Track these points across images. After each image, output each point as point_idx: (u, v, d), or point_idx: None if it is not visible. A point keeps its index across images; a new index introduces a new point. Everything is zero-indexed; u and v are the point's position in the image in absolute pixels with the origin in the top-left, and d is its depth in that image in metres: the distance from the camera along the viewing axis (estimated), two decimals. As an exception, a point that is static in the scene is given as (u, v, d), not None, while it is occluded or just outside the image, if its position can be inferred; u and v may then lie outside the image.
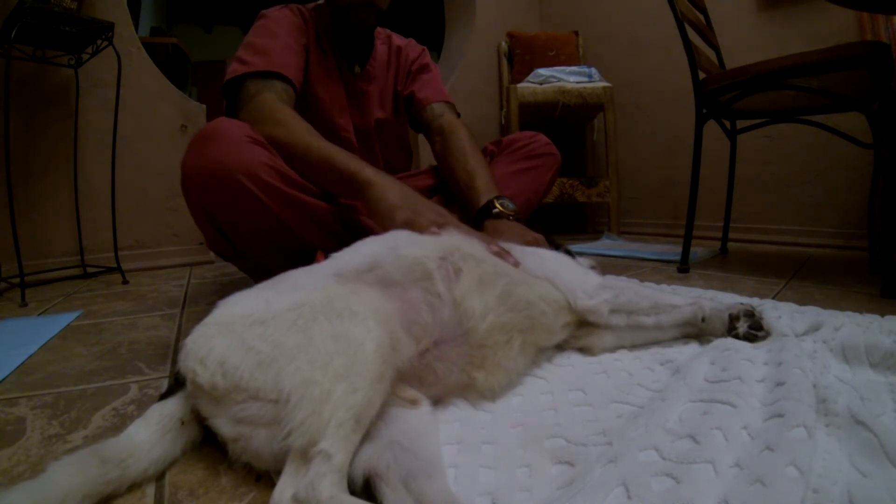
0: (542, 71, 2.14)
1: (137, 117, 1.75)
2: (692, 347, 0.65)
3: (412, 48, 1.17)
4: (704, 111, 1.25)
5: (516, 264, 0.64)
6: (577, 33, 2.36)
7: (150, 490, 0.41)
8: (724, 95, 1.18)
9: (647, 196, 2.22)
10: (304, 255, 0.82)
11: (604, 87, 2.09)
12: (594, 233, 2.32)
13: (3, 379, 0.69)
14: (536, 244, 0.77)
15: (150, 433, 0.43)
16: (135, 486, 0.41)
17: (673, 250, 1.53)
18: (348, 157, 0.78)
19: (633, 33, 2.22)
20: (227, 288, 0.55)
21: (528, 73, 2.20)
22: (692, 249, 1.33)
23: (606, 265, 1.40)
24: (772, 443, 0.37)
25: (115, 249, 1.62)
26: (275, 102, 0.84)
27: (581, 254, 0.88)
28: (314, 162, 0.78)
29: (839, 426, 0.41)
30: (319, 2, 1.07)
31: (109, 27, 1.49)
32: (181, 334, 0.89)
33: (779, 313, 0.70)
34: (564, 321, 0.64)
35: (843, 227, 1.60)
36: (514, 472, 0.40)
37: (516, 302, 0.57)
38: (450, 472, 0.41)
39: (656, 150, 2.17)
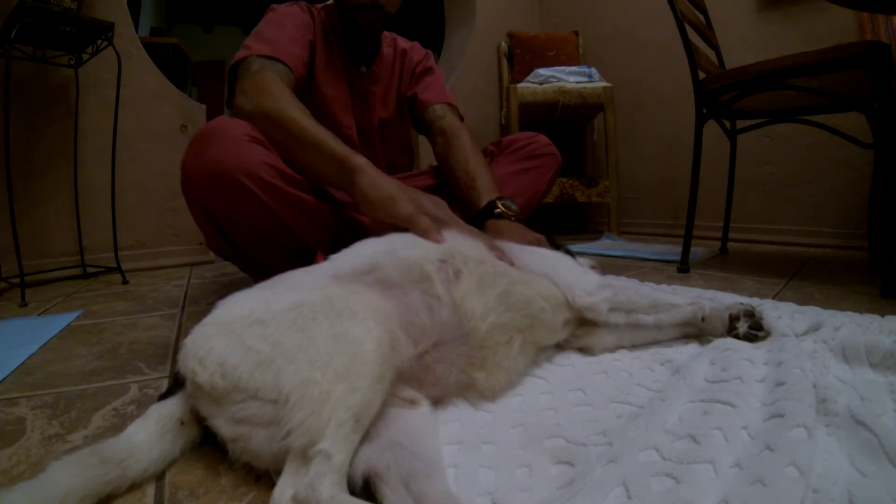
0: (542, 71, 2.14)
1: (137, 117, 1.75)
2: (692, 347, 0.65)
3: (416, 51, 1.18)
4: (704, 111, 1.25)
5: (512, 263, 0.64)
6: (577, 33, 2.36)
7: (150, 490, 0.41)
8: (724, 95, 1.18)
9: (647, 196, 2.22)
10: (304, 255, 0.82)
11: (604, 87, 2.09)
12: (594, 233, 2.32)
13: (3, 379, 0.69)
14: (538, 244, 0.77)
15: (150, 433, 0.43)
16: (135, 486, 0.41)
17: (673, 250, 1.53)
18: (339, 143, 0.76)
19: (633, 33, 2.22)
20: (227, 288, 0.55)
21: (528, 73, 2.20)
22: (692, 249, 1.33)
23: (606, 265, 1.40)
24: (772, 443, 0.37)
25: (115, 249, 1.62)
26: (274, 79, 0.84)
27: (581, 254, 0.88)
28: (307, 143, 0.77)
29: (839, 426, 0.41)
30: (329, 1, 1.08)
31: (109, 27, 1.49)
32: (181, 334, 0.89)
33: (779, 313, 0.70)
34: (564, 318, 0.64)
35: (843, 227, 1.60)
36: (514, 472, 0.40)
37: (516, 301, 0.57)
38: (450, 472, 0.41)
39: (656, 150, 2.17)
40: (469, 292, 0.55)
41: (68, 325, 0.98)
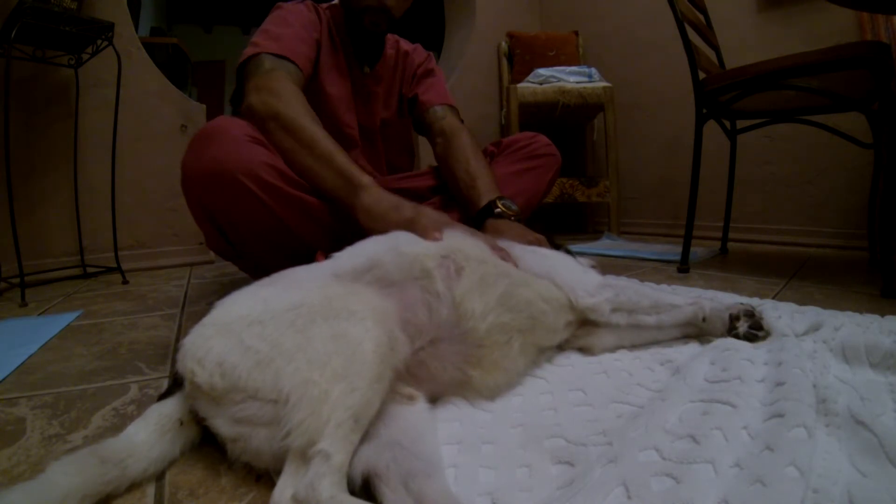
0: (542, 71, 2.14)
1: (137, 117, 1.75)
2: (692, 347, 0.65)
3: (418, 53, 1.19)
4: (704, 111, 1.25)
5: (515, 264, 0.64)
6: (577, 33, 2.36)
7: (150, 490, 0.41)
8: (724, 95, 1.18)
9: (647, 196, 2.22)
10: (304, 255, 0.82)
11: (604, 87, 2.09)
12: (594, 233, 2.32)
13: (3, 379, 0.69)
14: (538, 244, 0.77)
15: (149, 433, 0.43)
16: (135, 486, 0.41)
17: (673, 250, 1.53)
18: (348, 159, 0.79)
19: (633, 33, 2.22)
20: (227, 288, 0.55)
21: (528, 73, 2.20)
22: (692, 249, 1.33)
23: (606, 265, 1.40)
24: (772, 443, 0.37)
25: (115, 249, 1.62)
26: (287, 81, 0.84)
27: (581, 254, 0.88)
28: (315, 153, 0.78)
29: (839, 426, 0.41)
30: (334, 1, 1.08)
31: (109, 27, 1.49)
32: (181, 334, 0.89)
33: (779, 313, 0.70)
34: (566, 320, 0.64)
35: (843, 227, 1.60)
36: (514, 472, 0.40)
37: (517, 302, 0.57)
38: (450, 472, 0.41)
39: (656, 150, 2.17)
40: (470, 291, 0.54)
41: (68, 325, 0.98)
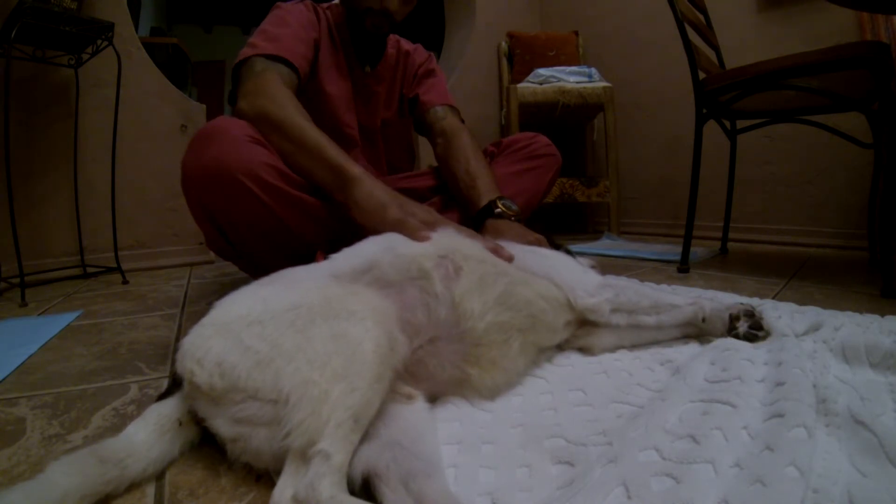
0: (542, 71, 2.14)
1: (137, 117, 1.75)
2: (692, 347, 0.65)
3: (419, 53, 1.19)
4: (704, 111, 1.25)
5: (510, 259, 0.64)
6: (577, 33, 2.36)
7: (150, 490, 0.41)
8: (724, 95, 1.18)
9: (647, 196, 2.22)
10: (304, 255, 0.82)
11: (604, 87, 2.09)
12: (594, 233, 2.32)
13: (3, 379, 0.69)
14: (538, 244, 0.77)
15: (149, 433, 0.43)
16: (135, 486, 0.41)
17: (673, 250, 1.53)
18: (338, 151, 0.77)
19: (632, 33, 2.22)
20: (227, 288, 0.55)
21: (528, 73, 2.20)
22: (692, 249, 1.33)
23: (606, 265, 1.40)
24: (772, 443, 0.37)
25: (115, 249, 1.62)
26: (277, 82, 0.84)
27: (581, 254, 0.88)
28: (305, 148, 0.77)
29: (839, 426, 0.41)
30: (334, 0, 1.08)
31: (109, 27, 1.49)
32: (181, 334, 0.88)
33: (779, 313, 0.70)
34: (565, 319, 0.64)
35: (843, 227, 1.60)
36: (514, 472, 0.40)
37: (516, 302, 0.57)
38: (450, 472, 0.41)
39: (656, 150, 2.17)
40: (469, 291, 0.54)
41: (68, 325, 0.98)
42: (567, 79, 2.10)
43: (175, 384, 0.47)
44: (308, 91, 0.99)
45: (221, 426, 0.41)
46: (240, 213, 0.79)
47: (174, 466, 0.44)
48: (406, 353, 0.48)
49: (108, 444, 0.41)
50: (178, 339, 0.85)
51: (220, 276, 1.56)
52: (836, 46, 0.96)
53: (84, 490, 0.36)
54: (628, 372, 0.59)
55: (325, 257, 0.59)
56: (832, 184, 1.63)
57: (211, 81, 5.32)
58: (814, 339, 0.61)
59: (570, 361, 0.64)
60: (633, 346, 0.67)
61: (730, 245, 1.61)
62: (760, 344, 0.60)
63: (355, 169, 0.75)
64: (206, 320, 0.46)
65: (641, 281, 1.04)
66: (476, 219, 0.90)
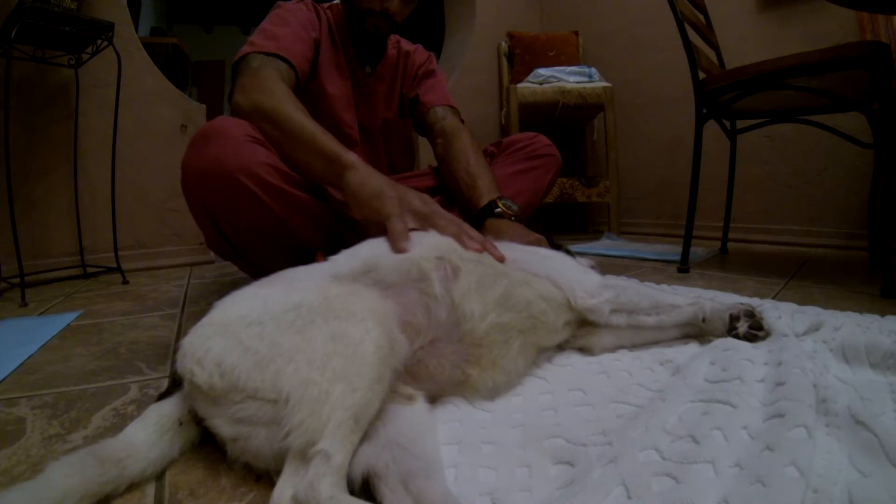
0: (542, 71, 2.14)
1: (137, 117, 1.75)
2: (692, 347, 0.65)
3: (419, 54, 1.19)
4: (704, 111, 1.25)
5: (501, 258, 0.63)
6: (577, 33, 2.36)
7: (150, 490, 0.41)
8: (724, 95, 1.18)
9: (647, 196, 2.22)
10: (305, 255, 0.82)
11: (604, 87, 2.09)
12: (594, 233, 2.32)
13: (3, 379, 0.69)
14: (538, 244, 0.77)
15: (149, 433, 0.43)
16: (135, 486, 0.41)
17: (673, 250, 1.53)
18: (332, 140, 0.75)
19: (633, 33, 2.22)
20: (227, 288, 0.55)
21: (528, 73, 2.20)
22: (692, 249, 1.33)
23: (606, 265, 1.40)
24: (772, 443, 0.37)
25: (115, 249, 1.62)
26: (273, 77, 0.84)
27: (581, 254, 0.88)
28: (299, 139, 0.76)
29: (839, 426, 0.41)
30: (335, 0, 1.08)
31: (109, 27, 1.49)
32: (181, 334, 0.89)
33: (779, 313, 0.70)
34: (565, 319, 0.64)
35: (843, 227, 1.60)
36: (514, 472, 0.40)
37: (516, 302, 0.57)
38: (450, 472, 0.41)
39: (656, 150, 2.17)
40: (468, 293, 0.54)
41: (68, 325, 0.98)
42: (567, 79, 2.10)
43: (175, 384, 0.47)
44: (309, 91, 0.99)
45: (221, 426, 0.41)
46: (240, 213, 0.79)
47: (174, 466, 0.44)
48: (406, 354, 0.48)
49: (108, 445, 0.40)
50: (178, 339, 0.85)
51: (220, 276, 1.56)
52: (836, 46, 0.96)
53: (84, 490, 0.36)
54: (628, 372, 0.59)
55: (325, 258, 0.59)
56: (832, 184, 1.63)
57: (211, 81, 5.32)
58: (814, 339, 0.61)
59: (570, 361, 0.64)
60: (634, 346, 0.67)
61: (730, 245, 1.61)
62: (760, 344, 0.60)
63: (349, 156, 0.73)
64: (206, 320, 0.46)
65: (641, 281, 1.04)
66: (476, 219, 0.90)
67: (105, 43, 1.53)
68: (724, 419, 0.42)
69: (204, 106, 1.90)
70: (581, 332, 0.67)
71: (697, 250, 1.52)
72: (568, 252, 0.79)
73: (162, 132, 1.80)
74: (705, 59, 1.32)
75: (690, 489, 0.33)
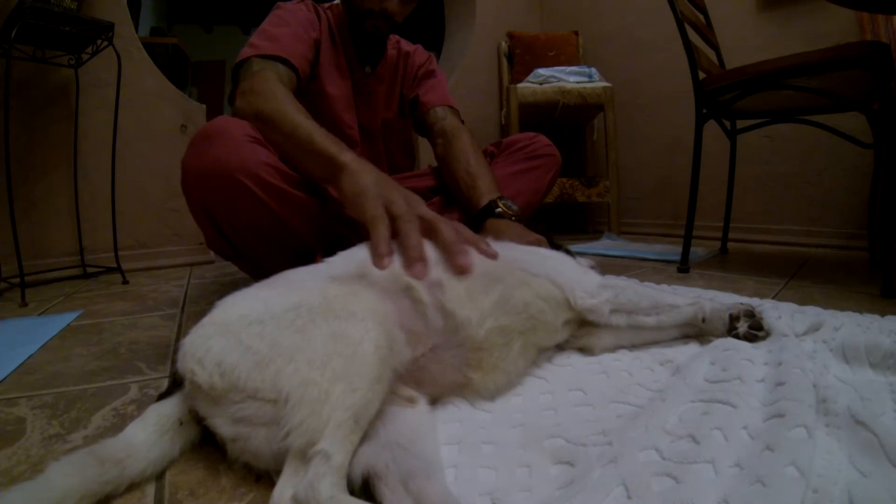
0: (542, 71, 2.14)
1: (137, 117, 1.75)
2: (692, 347, 0.65)
3: (419, 54, 1.19)
4: (704, 111, 1.25)
5: (494, 255, 0.62)
6: (577, 33, 2.36)
7: (150, 490, 0.41)
8: (724, 95, 1.18)
9: (647, 196, 2.22)
10: (305, 256, 0.82)
11: (604, 87, 2.09)
12: (594, 233, 2.32)
13: (3, 379, 0.69)
14: (538, 245, 0.77)
15: (149, 433, 0.43)
16: (135, 486, 0.41)
17: (673, 250, 1.53)
18: (329, 139, 0.73)
19: (633, 33, 2.22)
20: (227, 288, 0.55)
21: (528, 73, 2.20)
22: (692, 249, 1.33)
23: (606, 265, 1.40)
24: (772, 443, 0.37)
25: (115, 249, 1.62)
26: (272, 80, 0.83)
27: (581, 254, 0.88)
28: (297, 140, 0.75)
29: (839, 426, 0.41)
30: (335, 0, 1.08)
31: (109, 27, 1.49)
32: (181, 334, 0.89)
33: (779, 313, 0.70)
34: (565, 318, 0.63)
35: (843, 227, 1.60)
36: (514, 472, 0.40)
37: (514, 304, 0.57)
38: (450, 472, 0.41)
39: (656, 150, 2.17)
40: (460, 301, 0.53)
41: (68, 325, 0.98)
42: (567, 79, 2.10)
43: (176, 384, 0.47)
44: (309, 91, 0.99)
45: (221, 426, 0.41)
46: (240, 213, 0.79)
47: (174, 466, 0.44)
48: (408, 356, 0.48)
49: (108, 445, 0.40)
50: (178, 339, 0.85)
51: (220, 276, 1.56)
52: (836, 46, 0.96)
53: (84, 490, 0.36)
54: (628, 372, 0.59)
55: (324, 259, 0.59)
56: (832, 184, 1.63)
57: (211, 81, 5.31)
58: (814, 339, 0.61)
59: (570, 361, 0.64)
60: (634, 347, 0.67)
61: (730, 245, 1.61)
62: (760, 344, 0.60)
63: (344, 156, 0.70)
64: (207, 320, 0.46)
65: (641, 281, 1.04)
66: (476, 219, 0.90)
67: (105, 43, 1.53)
68: (724, 419, 0.42)
69: (204, 106, 1.90)
70: (581, 332, 0.67)
71: (697, 250, 1.52)
72: (568, 252, 0.79)
73: (162, 132, 1.80)
74: (705, 59, 1.32)
75: (690, 489, 0.33)
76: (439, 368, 0.51)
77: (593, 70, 2.14)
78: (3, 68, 1.39)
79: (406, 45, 1.18)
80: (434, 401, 0.52)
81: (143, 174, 1.77)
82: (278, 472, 0.37)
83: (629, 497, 0.34)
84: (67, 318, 1.03)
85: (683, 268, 1.25)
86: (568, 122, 2.31)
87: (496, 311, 0.55)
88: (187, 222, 1.67)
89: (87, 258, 1.65)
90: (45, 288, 1.44)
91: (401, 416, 0.44)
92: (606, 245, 1.82)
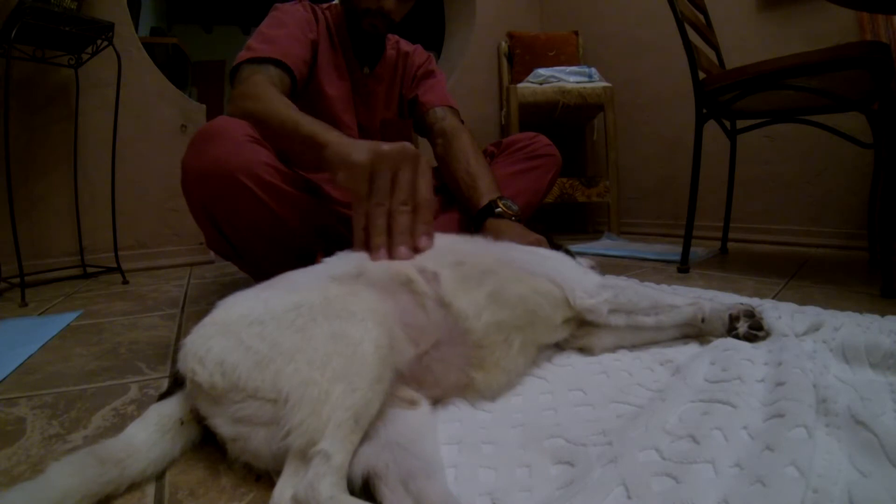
0: (542, 71, 2.14)
1: (137, 117, 1.75)
2: (692, 347, 0.65)
3: (419, 54, 1.19)
4: (704, 111, 1.25)
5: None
6: (577, 33, 2.36)
7: (150, 490, 0.41)
8: (724, 95, 1.18)
9: (647, 196, 2.22)
10: (305, 256, 0.82)
11: (604, 87, 2.09)
12: (594, 233, 2.32)
13: (3, 379, 0.69)
14: (538, 245, 0.77)
15: (149, 433, 0.43)
16: (135, 486, 0.41)
17: (673, 250, 1.53)
18: (316, 124, 0.72)
19: (633, 33, 2.22)
20: (227, 288, 0.55)
21: (528, 73, 2.20)
22: (692, 249, 1.33)
23: (606, 265, 1.40)
24: (772, 443, 0.37)
25: (115, 249, 1.62)
26: (261, 83, 0.84)
27: (581, 254, 0.88)
28: (285, 131, 0.75)
29: (839, 426, 0.41)
30: (334, 1, 1.08)
31: (109, 27, 1.49)
32: (181, 334, 0.89)
33: (779, 313, 0.70)
34: (563, 316, 0.63)
35: (843, 227, 1.60)
36: (514, 472, 0.40)
37: (508, 298, 0.57)
38: (450, 472, 0.41)
39: (656, 150, 2.17)
40: (455, 291, 0.54)
41: (68, 325, 0.98)
42: (567, 79, 2.10)
43: (176, 383, 0.47)
44: (308, 92, 0.99)
45: (222, 425, 0.41)
46: (240, 213, 0.79)
47: (174, 466, 0.44)
48: (409, 355, 0.48)
49: (108, 445, 0.40)
50: (178, 339, 0.85)
51: (220, 276, 1.56)
52: (836, 46, 0.96)
53: (84, 490, 0.36)
54: (628, 372, 0.59)
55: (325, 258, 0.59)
56: (832, 184, 1.63)
57: (211, 81, 5.32)
58: (814, 339, 0.61)
59: (570, 361, 0.64)
60: (634, 347, 0.67)
61: (730, 245, 1.61)
62: (760, 344, 0.60)
63: (327, 135, 0.68)
64: (208, 319, 0.46)
65: (641, 281, 1.04)
66: (476, 219, 0.90)
67: (105, 43, 1.53)
68: (724, 419, 0.42)
69: (204, 106, 1.90)
70: (581, 332, 0.67)
71: (697, 250, 1.52)
72: (568, 252, 0.79)
73: (162, 132, 1.80)
74: (705, 59, 1.32)
75: (690, 489, 0.33)
76: (443, 368, 0.51)
77: (593, 70, 2.14)
78: (3, 68, 1.39)
79: (405, 45, 1.18)
80: (435, 402, 0.52)
81: (142, 174, 1.77)
82: (278, 472, 0.37)
83: (629, 497, 0.34)
84: (67, 318, 1.03)
85: (683, 268, 1.25)
86: (568, 122, 2.31)
87: (492, 304, 0.55)
88: (187, 222, 1.67)
89: (87, 258, 1.65)
90: (45, 288, 1.44)
91: (401, 416, 0.44)
92: (606, 245, 1.82)
